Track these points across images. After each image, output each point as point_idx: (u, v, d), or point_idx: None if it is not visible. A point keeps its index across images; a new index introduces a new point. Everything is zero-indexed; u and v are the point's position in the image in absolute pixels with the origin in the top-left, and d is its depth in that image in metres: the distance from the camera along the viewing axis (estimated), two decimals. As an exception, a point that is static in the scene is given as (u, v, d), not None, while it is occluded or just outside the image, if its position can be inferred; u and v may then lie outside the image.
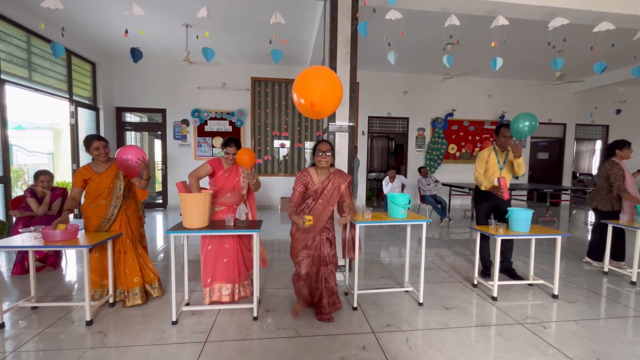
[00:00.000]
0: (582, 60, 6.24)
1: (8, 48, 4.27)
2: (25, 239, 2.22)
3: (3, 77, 4.16)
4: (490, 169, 3.06)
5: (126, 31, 3.68)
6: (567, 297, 2.74)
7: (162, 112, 6.94)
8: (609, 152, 3.44)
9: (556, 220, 6.26)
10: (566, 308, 2.54)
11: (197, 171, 2.54)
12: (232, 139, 2.59)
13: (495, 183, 2.97)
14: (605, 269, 3.29)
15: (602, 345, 2.03)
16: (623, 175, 3.25)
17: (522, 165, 2.96)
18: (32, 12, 4.45)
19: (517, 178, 3.38)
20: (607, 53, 5.16)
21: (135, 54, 3.90)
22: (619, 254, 3.37)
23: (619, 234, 3.34)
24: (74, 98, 5.60)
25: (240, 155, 2.49)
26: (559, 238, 2.71)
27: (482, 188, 3.02)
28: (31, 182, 3.40)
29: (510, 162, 3.05)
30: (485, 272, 3.14)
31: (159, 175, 7.65)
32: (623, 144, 3.34)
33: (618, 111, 8.01)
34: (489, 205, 3.15)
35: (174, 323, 2.21)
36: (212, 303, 2.49)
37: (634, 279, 3.03)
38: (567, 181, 8.49)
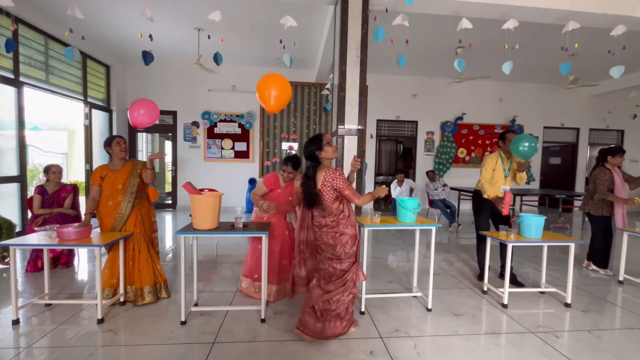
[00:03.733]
0: (596, 63, 6.12)
1: (27, 51, 4.41)
2: (40, 238, 2.27)
3: (22, 79, 4.29)
4: (496, 175, 3.03)
5: (150, 36, 3.80)
6: (581, 306, 2.68)
7: (173, 114, 7.04)
8: (601, 158, 3.53)
9: (569, 227, 6.13)
10: (579, 317, 2.48)
11: (257, 190, 2.77)
12: (290, 159, 2.71)
13: (500, 193, 2.95)
14: (621, 278, 3.21)
15: (617, 356, 1.98)
16: (611, 181, 3.36)
17: (523, 178, 3.04)
18: (49, 16, 4.58)
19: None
20: (623, 56, 5.05)
21: (147, 57, 3.97)
22: (605, 261, 3.49)
23: (608, 240, 3.44)
24: (89, 100, 5.73)
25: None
26: (572, 245, 2.66)
27: (485, 196, 2.96)
28: (44, 181, 3.46)
29: (514, 170, 3.06)
30: (481, 275, 3.11)
31: (168, 176, 7.75)
32: (616, 152, 3.42)
33: (634, 116, 7.82)
34: (489, 211, 3.14)
35: (183, 323, 2.23)
36: (246, 294, 2.73)
37: (651, 289, 2.95)
38: (580, 187, 8.30)
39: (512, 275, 3.09)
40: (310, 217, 2.12)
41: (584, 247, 4.56)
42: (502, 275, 3.14)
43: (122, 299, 2.49)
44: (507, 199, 2.80)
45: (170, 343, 2.02)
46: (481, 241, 3.12)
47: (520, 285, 3.02)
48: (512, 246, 2.62)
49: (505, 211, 2.82)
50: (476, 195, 3.22)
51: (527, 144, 2.70)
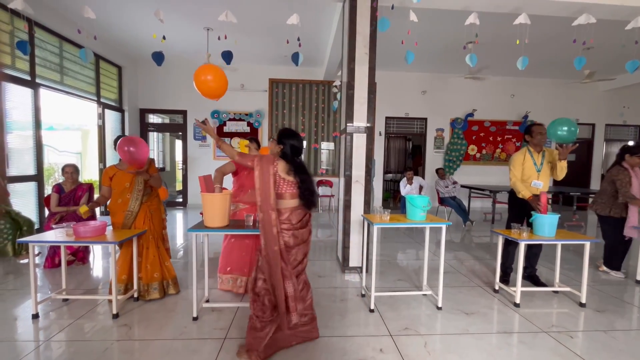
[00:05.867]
0: (613, 57, 5.94)
1: (42, 53, 4.52)
2: (57, 235, 2.34)
3: (38, 80, 4.40)
4: (527, 172, 2.88)
5: (164, 37, 3.87)
6: (596, 305, 2.62)
7: (183, 113, 7.14)
8: (619, 156, 3.33)
9: (583, 225, 5.99)
10: (595, 317, 2.43)
11: (223, 167, 2.78)
12: (253, 139, 2.95)
13: (534, 189, 2.84)
14: (639, 278, 3.13)
15: (634, 357, 1.93)
16: (630, 182, 3.15)
17: (564, 168, 2.77)
18: (64, 19, 4.69)
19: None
20: (641, 49, 4.88)
21: (158, 58, 3.99)
22: (617, 263, 3.34)
23: (621, 242, 3.26)
24: (102, 100, 5.86)
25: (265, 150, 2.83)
26: (587, 244, 2.60)
27: (520, 196, 2.82)
28: (61, 180, 3.56)
29: (549, 163, 2.88)
30: (504, 279, 3.00)
31: (179, 174, 7.87)
32: (635, 151, 3.20)
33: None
34: (523, 212, 2.94)
35: (195, 319, 2.27)
36: (224, 290, 2.68)
37: (670, 289, 2.86)
38: (595, 184, 8.09)
39: (535, 277, 3.03)
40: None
41: (599, 246, 4.45)
42: (525, 277, 2.99)
43: (136, 295, 2.55)
44: (542, 200, 2.64)
45: (183, 338, 2.06)
46: (507, 243, 2.96)
47: (542, 285, 2.95)
48: (532, 245, 2.55)
49: (544, 212, 2.64)
50: (510, 195, 3.10)
51: (565, 128, 2.63)
